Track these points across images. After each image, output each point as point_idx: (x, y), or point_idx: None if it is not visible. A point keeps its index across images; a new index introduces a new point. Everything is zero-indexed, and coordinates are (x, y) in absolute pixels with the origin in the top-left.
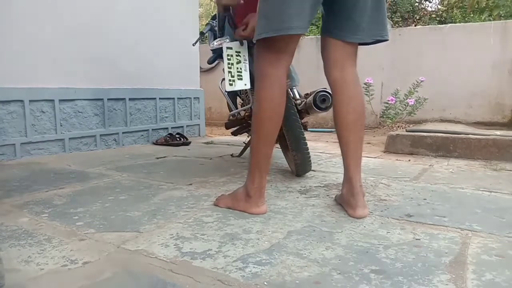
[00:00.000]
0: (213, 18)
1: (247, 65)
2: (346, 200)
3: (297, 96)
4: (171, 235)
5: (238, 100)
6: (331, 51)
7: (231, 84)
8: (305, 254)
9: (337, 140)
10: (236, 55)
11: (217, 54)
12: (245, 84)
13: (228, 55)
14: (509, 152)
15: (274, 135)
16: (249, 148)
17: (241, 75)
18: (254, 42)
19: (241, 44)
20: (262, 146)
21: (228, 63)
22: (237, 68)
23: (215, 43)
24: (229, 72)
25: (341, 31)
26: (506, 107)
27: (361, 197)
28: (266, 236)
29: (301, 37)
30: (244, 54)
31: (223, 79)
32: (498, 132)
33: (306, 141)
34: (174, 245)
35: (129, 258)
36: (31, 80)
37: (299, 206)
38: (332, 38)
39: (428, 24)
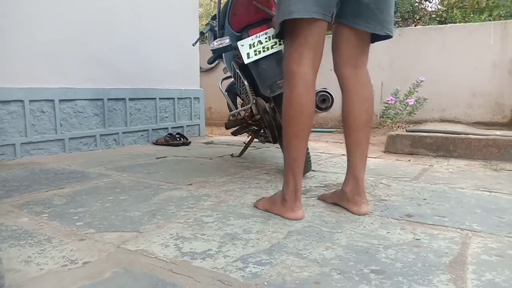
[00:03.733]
0: (213, 18)
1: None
2: (349, 197)
3: None
4: (171, 235)
5: (238, 100)
6: (344, 45)
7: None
8: (305, 254)
9: (338, 140)
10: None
11: (217, 54)
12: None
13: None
14: (509, 152)
15: (302, 136)
16: (248, 148)
17: (260, 53)
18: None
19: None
20: (291, 147)
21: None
22: (263, 48)
23: (215, 43)
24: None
25: (354, 17)
26: (506, 107)
27: (365, 194)
28: (266, 236)
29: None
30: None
31: (223, 79)
32: (498, 132)
33: None
34: (174, 245)
35: (129, 258)
36: (31, 80)
37: None
38: (345, 26)
39: (428, 24)
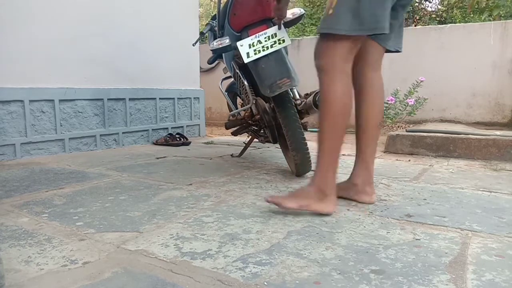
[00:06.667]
0: (213, 18)
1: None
2: (360, 189)
3: (297, 96)
4: (171, 235)
5: (238, 100)
6: (369, 51)
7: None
8: (305, 254)
9: None
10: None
11: (217, 54)
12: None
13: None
14: (509, 152)
15: (344, 130)
16: (248, 148)
17: (259, 52)
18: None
19: (279, 28)
20: (338, 142)
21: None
22: (263, 47)
23: (215, 43)
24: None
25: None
26: (506, 107)
27: (374, 185)
28: (266, 236)
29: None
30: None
31: (223, 79)
32: (498, 132)
33: (306, 141)
34: (174, 245)
35: (129, 258)
36: (31, 80)
37: None
38: (372, 40)
39: (428, 24)
